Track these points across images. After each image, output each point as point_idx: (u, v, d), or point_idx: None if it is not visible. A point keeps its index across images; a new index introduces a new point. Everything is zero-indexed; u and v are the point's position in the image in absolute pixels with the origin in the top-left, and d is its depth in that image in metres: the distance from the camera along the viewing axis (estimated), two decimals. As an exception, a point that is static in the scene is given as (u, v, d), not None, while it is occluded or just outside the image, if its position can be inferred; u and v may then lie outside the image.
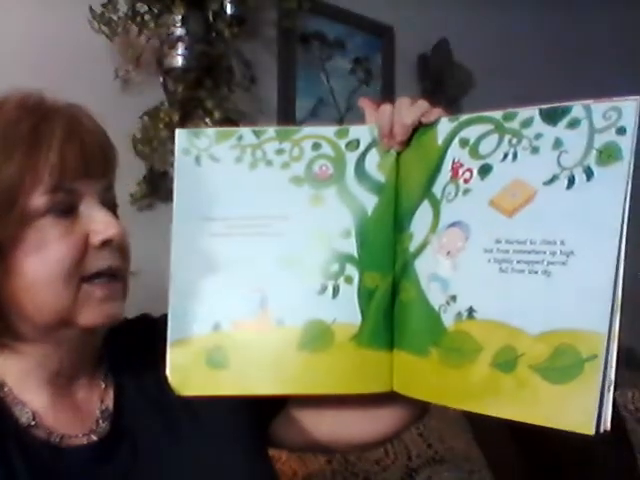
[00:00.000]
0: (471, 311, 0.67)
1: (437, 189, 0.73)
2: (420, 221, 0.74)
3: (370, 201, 0.77)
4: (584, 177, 0.61)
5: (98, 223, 0.69)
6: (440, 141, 0.73)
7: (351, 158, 0.77)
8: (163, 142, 1.64)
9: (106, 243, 0.69)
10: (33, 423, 0.69)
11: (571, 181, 0.62)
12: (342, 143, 0.78)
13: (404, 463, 1.48)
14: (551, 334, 0.61)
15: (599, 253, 0.59)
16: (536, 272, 0.63)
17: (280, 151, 0.78)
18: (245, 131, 0.79)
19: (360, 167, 0.77)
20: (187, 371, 0.76)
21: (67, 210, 0.68)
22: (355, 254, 0.76)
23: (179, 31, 1.62)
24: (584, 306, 0.60)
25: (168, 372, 0.76)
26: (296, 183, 0.78)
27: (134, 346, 0.79)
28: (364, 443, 0.90)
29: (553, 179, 0.63)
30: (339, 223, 0.77)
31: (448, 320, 0.69)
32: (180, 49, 1.63)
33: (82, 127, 0.70)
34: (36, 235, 0.67)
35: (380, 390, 0.77)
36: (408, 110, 0.74)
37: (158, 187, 1.67)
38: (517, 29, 2.39)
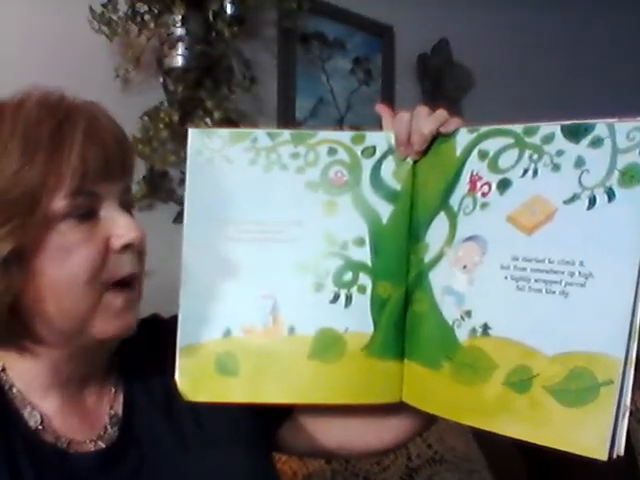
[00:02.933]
0: (486, 328, 0.66)
1: (454, 201, 0.71)
2: (436, 232, 0.73)
3: (385, 209, 0.76)
4: (605, 198, 0.60)
5: (119, 227, 0.68)
6: (458, 152, 0.71)
7: (367, 165, 0.76)
8: (163, 142, 1.63)
9: (127, 247, 0.68)
10: (41, 427, 0.69)
11: (592, 202, 0.60)
12: (358, 149, 0.76)
13: (404, 463, 1.48)
14: (567, 356, 0.60)
15: (618, 276, 0.58)
16: (554, 292, 0.62)
17: (295, 155, 0.76)
18: (260, 133, 0.77)
19: (376, 174, 0.76)
20: (196, 377, 0.75)
21: (88, 214, 0.67)
22: (369, 263, 0.75)
23: (179, 31, 1.61)
24: (601, 329, 0.58)
25: (177, 377, 0.76)
26: (311, 188, 0.76)
27: (144, 348, 0.78)
28: (371, 451, 0.90)
29: (574, 198, 0.62)
30: (353, 231, 0.76)
31: (462, 335, 0.68)
32: (180, 49, 1.62)
33: (102, 127, 0.68)
34: (58, 239, 0.66)
35: (389, 401, 0.76)
36: (426, 119, 0.73)
37: (158, 187, 1.66)
38: (517, 29, 2.38)
